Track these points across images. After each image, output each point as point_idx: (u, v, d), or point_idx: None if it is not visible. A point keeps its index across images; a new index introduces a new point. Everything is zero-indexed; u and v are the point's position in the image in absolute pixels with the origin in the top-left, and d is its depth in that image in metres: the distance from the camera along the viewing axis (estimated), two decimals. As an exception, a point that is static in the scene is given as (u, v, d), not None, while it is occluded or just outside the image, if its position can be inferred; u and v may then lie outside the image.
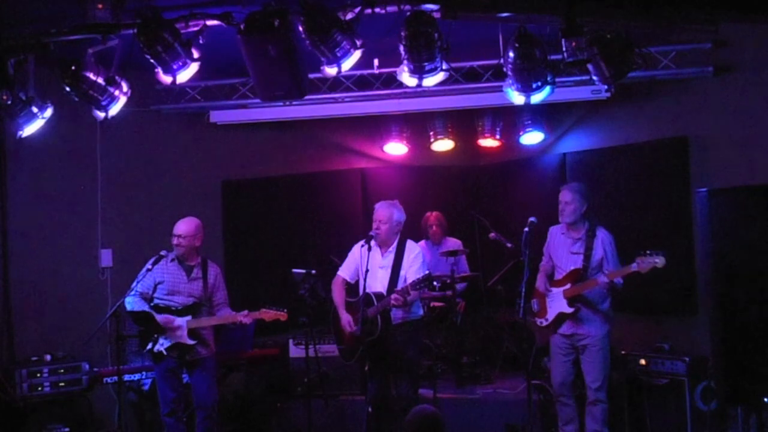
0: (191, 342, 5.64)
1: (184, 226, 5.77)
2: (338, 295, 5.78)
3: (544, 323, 5.65)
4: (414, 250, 5.69)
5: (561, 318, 5.57)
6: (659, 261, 5.13)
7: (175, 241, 5.73)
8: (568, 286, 5.54)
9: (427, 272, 5.36)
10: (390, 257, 5.67)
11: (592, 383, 5.51)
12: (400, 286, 5.52)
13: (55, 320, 6.67)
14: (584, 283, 5.47)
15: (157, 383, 5.86)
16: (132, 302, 5.68)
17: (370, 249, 5.51)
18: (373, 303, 5.50)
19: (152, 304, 5.71)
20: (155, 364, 5.77)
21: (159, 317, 5.62)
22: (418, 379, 5.89)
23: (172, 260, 5.75)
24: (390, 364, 5.66)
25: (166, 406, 5.74)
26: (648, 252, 5.15)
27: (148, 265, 5.68)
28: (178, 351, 5.66)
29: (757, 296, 5.01)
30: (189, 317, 5.66)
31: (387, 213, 5.65)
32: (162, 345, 5.63)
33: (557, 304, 5.58)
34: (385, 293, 5.54)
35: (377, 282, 5.62)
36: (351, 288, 5.84)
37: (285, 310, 5.72)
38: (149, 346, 5.64)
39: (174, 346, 5.64)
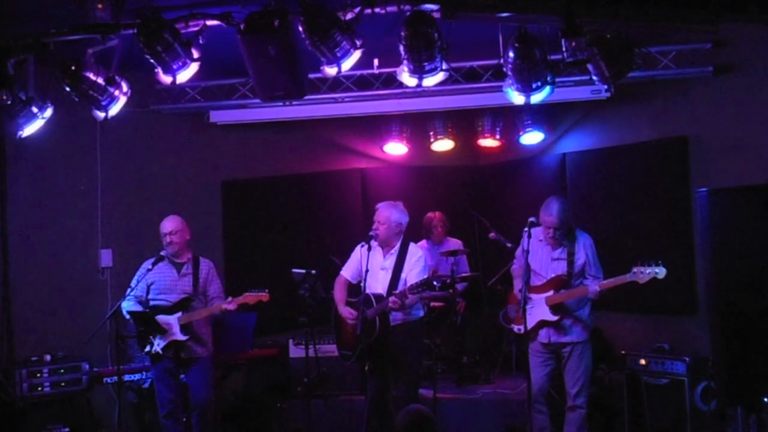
0: (183, 337, 5.64)
1: (171, 223, 5.82)
2: (339, 293, 5.78)
3: (522, 330, 5.40)
4: (416, 254, 5.67)
5: (541, 325, 5.47)
6: (660, 272, 5.04)
7: (167, 239, 5.77)
8: (550, 293, 5.41)
9: (425, 276, 5.35)
10: (392, 259, 5.67)
11: (572, 388, 5.45)
12: (400, 288, 5.51)
13: (55, 320, 6.67)
14: (572, 290, 5.37)
15: (154, 385, 5.87)
16: (129, 306, 5.73)
17: (369, 249, 5.51)
18: (372, 304, 5.50)
19: (149, 306, 5.74)
20: (153, 365, 5.80)
21: (158, 319, 5.65)
22: (417, 380, 5.87)
23: (161, 260, 5.76)
24: (389, 364, 5.66)
25: (163, 407, 5.75)
26: (643, 263, 5.05)
27: (148, 265, 5.72)
28: (174, 349, 5.66)
29: (757, 296, 5.01)
30: (180, 313, 5.67)
31: (386, 214, 5.65)
32: (159, 345, 5.65)
33: (539, 311, 5.41)
34: (384, 295, 5.54)
35: (378, 283, 5.61)
36: (353, 288, 5.84)
37: (267, 291, 5.72)
38: (147, 348, 5.68)
39: (169, 345, 5.65)
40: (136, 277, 5.78)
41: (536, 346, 5.56)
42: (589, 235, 5.52)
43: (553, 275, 5.46)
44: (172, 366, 5.73)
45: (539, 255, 5.55)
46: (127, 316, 5.82)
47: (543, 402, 5.57)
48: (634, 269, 5.09)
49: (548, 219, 5.40)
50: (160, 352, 5.64)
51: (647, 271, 5.05)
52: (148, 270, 5.69)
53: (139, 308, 5.72)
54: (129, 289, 5.74)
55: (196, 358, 5.75)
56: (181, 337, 5.64)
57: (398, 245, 5.68)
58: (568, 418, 5.51)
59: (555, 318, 5.40)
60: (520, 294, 5.33)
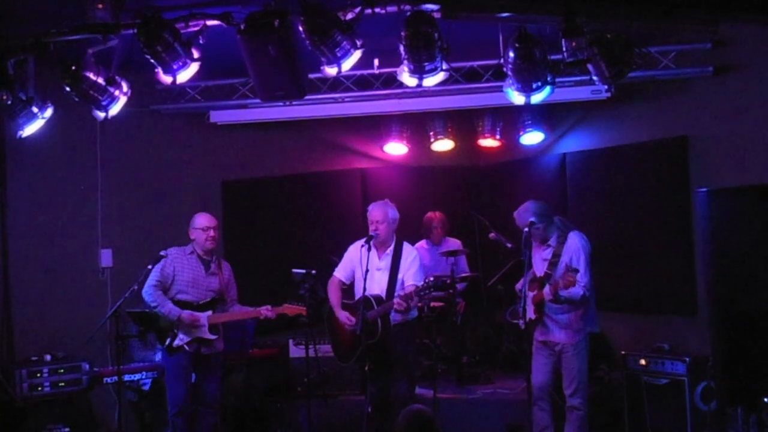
0: (212, 337, 5.65)
1: (214, 219, 5.80)
2: (334, 295, 5.79)
3: (522, 325, 5.52)
4: (411, 254, 5.70)
5: (531, 323, 5.53)
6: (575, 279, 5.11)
7: (210, 234, 5.72)
8: (535, 292, 5.49)
9: (431, 278, 5.37)
10: (387, 260, 5.67)
11: (566, 389, 5.49)
12: (397, 288, 5.52)
13: (55, 320, 6.67)
14: (540, 292, 5.43)
15: (167, 382, 5.81)
16: (152, 294, 5.56)
17: (369, 249, 5.50)
18: (372, 306, 5.49)
19: (171, 298, 5.65)
20: (168, 361, 5.72)
21: (184, 314, 5.57)
22: (415, 379, 5.88)
23: (191, 253, 5.74)
24: (390, 365, 5.66)
25: (175, 405, 5.65)
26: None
27: (149, 267, 5.67)
28: (198, 344, 5.65)
29: (757, 296, 5.01)
30: (209, 312, 5.66)
31: (383, 212, 5.66)
32: (182, 340, 5.61)
33: (529, 309, 5.50)
34: (383, 296, 5.54)
35: (375, 284, 5.61)
36: (346, 290, 5.84)
37: (304, 305, 5.74)
38: (168, 342, 5.61)
39: (194, 340, 5.63)
40: (152, 275, 5.62)
41: (537, 342, 5.63)
42: (581, 238, 5.47)
43: (540, 275, 5.53)
44: (188, 363, 5.68)
45: (535, 255, 5.63)
46: (152, 304, 5.58)
47: (545, 399, 5.58)
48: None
49: (525, 222, 5.45)
50: (186, 347, 5.60)
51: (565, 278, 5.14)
52: (149, 269, 5.64)
53: (159, 300, 5.57)
54: (143, 285, 5.58)
55: (212, 355, 5.75)
56: (210, 336, 5.64)
57: (393, 245, 5.70)
58: (568, 419, 5.54)
59: (534, 316, 5.48)
60: (521, 292, 5.43)
